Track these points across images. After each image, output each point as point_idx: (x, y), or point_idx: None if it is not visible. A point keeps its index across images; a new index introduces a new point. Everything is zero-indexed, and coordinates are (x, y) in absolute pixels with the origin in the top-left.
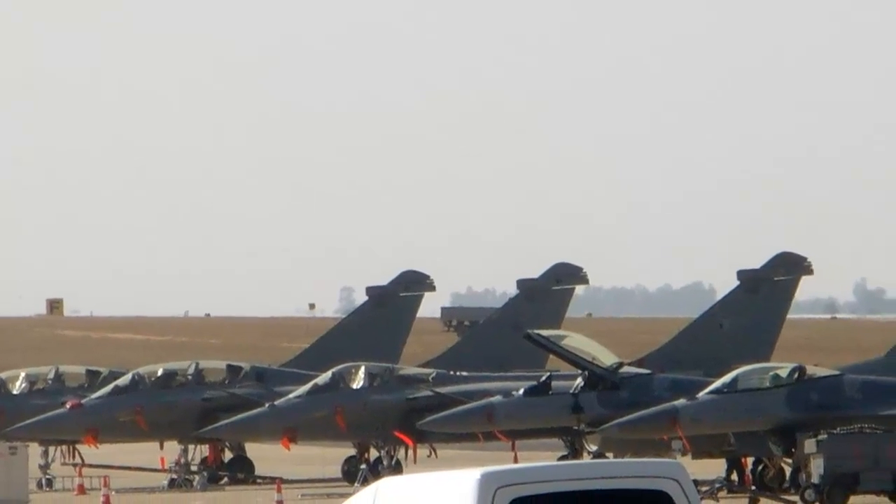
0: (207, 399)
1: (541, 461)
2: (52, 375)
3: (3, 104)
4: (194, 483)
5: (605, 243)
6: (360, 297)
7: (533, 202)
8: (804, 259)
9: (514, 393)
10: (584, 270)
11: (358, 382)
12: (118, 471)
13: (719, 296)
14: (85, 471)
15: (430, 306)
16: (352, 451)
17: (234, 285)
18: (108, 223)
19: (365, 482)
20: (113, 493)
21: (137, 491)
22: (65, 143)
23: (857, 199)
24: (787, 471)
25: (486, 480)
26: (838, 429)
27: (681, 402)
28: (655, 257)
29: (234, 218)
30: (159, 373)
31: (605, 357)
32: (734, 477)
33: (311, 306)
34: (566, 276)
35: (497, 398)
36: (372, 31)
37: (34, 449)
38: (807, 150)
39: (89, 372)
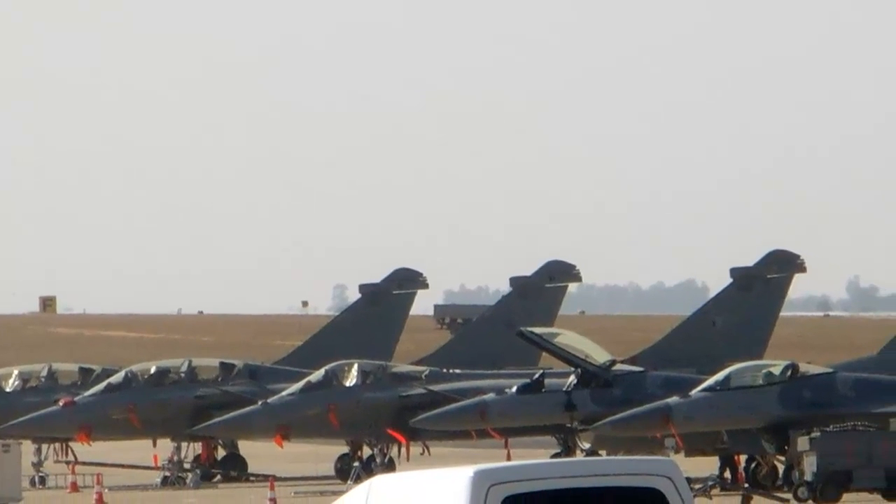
0: (200, 397)
1: (534, 459)
2: (45, 373)
3: (3, 104)
4: (187, 481)
5: (598, 241)
6: (354, 295)
7: (525, 200)
8: (797, 257)
9: (507, 390)
10: (577, 268)
11: (351, 380)
12: (111, 468)
13: (712, 293)
14: (78, 468)
15: (423, 304)
16: (345, 449)
17: (228, 283)
18: (101, 221)
19: (358, 480)
20: (106, 490)
21: (130, 488)
22: (58, 141)
23: (850, 197)
24: (780, 468)
25: (479, 478)
26: (831, 426)
27: (674, 399)
28: (648, 255)
29: (227, 216)
30: (152, 370)
31: (598, 354)
32: (727, 475)
33: (305, 304)
34: (559, 273)
35: (490, 396)
36: (367, 30)
37: (27, 446)
38: (800, 148)
39: (82, 369)
